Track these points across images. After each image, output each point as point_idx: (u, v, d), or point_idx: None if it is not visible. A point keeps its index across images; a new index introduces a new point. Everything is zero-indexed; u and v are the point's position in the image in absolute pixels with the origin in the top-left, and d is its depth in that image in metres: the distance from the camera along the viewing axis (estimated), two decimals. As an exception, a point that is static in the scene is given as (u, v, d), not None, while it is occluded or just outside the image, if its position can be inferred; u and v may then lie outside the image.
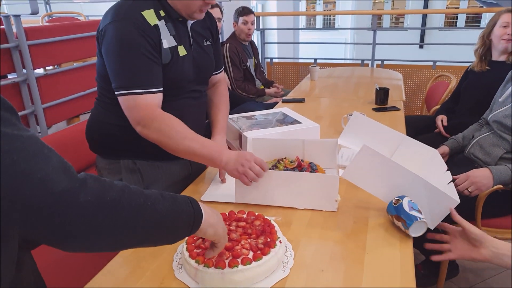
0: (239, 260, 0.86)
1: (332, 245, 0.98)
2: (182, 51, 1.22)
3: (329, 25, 14.06)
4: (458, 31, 11.25)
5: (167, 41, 1.16)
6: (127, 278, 0.89)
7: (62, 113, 2.12)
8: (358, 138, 1.46)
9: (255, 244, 0.90)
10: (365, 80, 2.91)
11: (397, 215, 1.00)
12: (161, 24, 1.15)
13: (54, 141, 1.73)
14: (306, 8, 15.49)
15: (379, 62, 3.82)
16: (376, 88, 2.21)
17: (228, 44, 2.98)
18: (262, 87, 3.27)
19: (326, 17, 14.24)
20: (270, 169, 1.30)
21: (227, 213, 1.04)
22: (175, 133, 1.11)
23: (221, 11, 2.77)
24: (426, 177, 1.05)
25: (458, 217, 0.99)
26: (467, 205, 1.52)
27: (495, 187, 1.43)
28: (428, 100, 2.90)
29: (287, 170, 1.26)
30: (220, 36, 1.66)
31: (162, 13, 1.16)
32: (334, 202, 1.13)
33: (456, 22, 11.52)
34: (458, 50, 3.55)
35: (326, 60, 4.15)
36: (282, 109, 1.82)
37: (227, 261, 0.85)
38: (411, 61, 3.84)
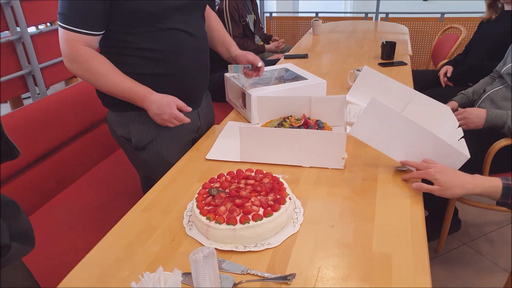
0: (250, 216, 0.86)
1: (341, 201, 0.99)
2: None
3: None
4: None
5: None
6: (139, 236, 0.90)
7: (59, 74, 2.05)
8: (367, 94, 1.43)
9: (265, 201, 0.90)
10: (369, 35, 2.82)
11: None
12: None
13: (56, 102, 1.70)
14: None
15: (384, 16, 3.68)
16: (382, 42, 2.15)
17: None
18: (262, 43, 3.18)
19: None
20: (275, 127, 1.29)
21: (235, 171, 1.03)
22: (97, 76, 1.13)
23: None
24: (437, 133, 1.03)
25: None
26: (475, 160, 1.52)
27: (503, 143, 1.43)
28: (435, 54, 2.83)
29: (293, 128, 1.24)
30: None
31: None
32: (341, 159, 1.12)
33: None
34: (467, 1, 3.41)
35: (328, 14, 4.00)
36: (285, 65, 1.77)
37: (238, 218, 0.86)
38: (417, 13, 3.70)
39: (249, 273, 0.78)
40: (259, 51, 3.06)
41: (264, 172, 1.02)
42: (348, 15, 5.01)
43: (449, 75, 2.12)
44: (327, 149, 1.11)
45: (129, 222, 0.96)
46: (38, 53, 1.84)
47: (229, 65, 1.46)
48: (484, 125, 1.48)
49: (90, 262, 0.84)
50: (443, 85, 2.16)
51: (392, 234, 0.86)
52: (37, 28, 2.18)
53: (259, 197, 0.91)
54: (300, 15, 4.51)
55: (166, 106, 1.16)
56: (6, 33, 1.80)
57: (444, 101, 1.72)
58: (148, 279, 0.65)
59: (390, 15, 3.68)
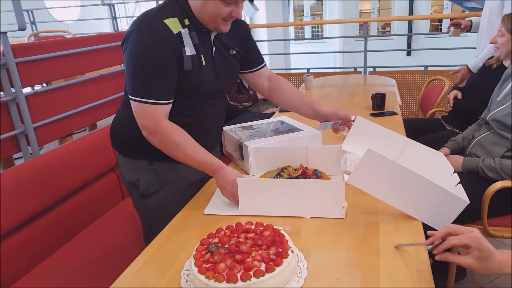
0: (251, 272, 0.82)
1: (345, 252, 0.95)
2: (203, 61, 1.23)
3: (317, 36, 14.22)
4: (443, 37, 11.45)
5: (189, 49, 1.18)
6: (134, 299, 0.85)
7: (54, 132, 2.06)
8: (361, 143, 1.44)
9: (267, 255, 0.87)
10: (359, 88, 2.91)
11: None
12: (184, 32, 1.17)
13: (49, 161, 1.68)
14: (294, 21, 15.69)
15: (371, 69, 3.84)
16: (372, 94, 2.21)
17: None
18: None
19: (314, 29, 14.40)
20: (274, 177, 1.27)
21: (234, 225, 1.00)
22: (176, 148, 1.19)
23: None
24: (434, 180, 1.03)
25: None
26: (472, 205, 1.51)
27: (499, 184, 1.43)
28: (423, 104, 2.91)
29: (291, 178, 1.23)
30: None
31: (186, 22, 1.19)
32: (342, 208, 1.10)
33: (441, 27, 11.74)
34: (446, 54, 3.59)
35: (318, 70, 4.16)
36: (281, 117, 1.80)
37: (238, 275, 0.82)
38: (402, 67, 3.87)
39: (253, 335, 0.72)
40: (252, 100, 3.13)
41: (265, 224, 0.99)
42: (337, 70, 5.22)
43: (460, 97, 2.18)
44: (327, 198, 1.10)
45: (123, 283, 0.91)
46: (32, 113, 1.86)
47: (319, 124, 1.46)
48: (462, 170, 1.60)
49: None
50: (451, 105, 2.22)
51: (399, 283, 0.82)
52: (33, 88, 2.23)
53: (260, 252, 0.88)
54: (292, 71, 4.69)
55: (230, 184, 1.19)
56: (1, 93, 1.83)
57: (436, 147, 1.74)
58: None
59: (377, 69, 3.84)
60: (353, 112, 2.18)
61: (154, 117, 1.16)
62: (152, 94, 1.14)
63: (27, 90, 1.91)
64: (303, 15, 16.45)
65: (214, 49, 1.27)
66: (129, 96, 1.18)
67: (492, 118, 1.60)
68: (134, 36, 1.13)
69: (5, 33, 1.68)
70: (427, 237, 0.95)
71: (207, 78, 1.26)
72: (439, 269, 1.73)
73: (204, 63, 1.23)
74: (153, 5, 0.98)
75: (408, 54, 10.94)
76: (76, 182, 1.79)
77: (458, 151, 1.75)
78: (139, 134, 1.22)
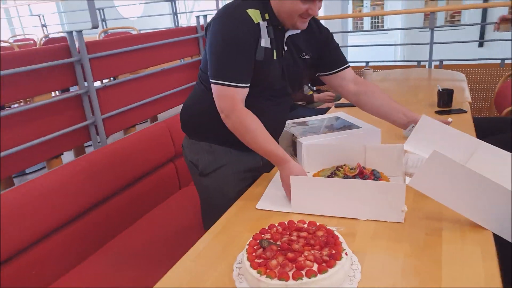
0: (303, 272, 0.81)
1: (402, 258, 0.91)
2: (274, 55, 1.27)
3: (377, 27, 13.59)
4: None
5: (265, 41, 1.23)
6: (188, 288, 0.88)
7: (119, 123, 2.21)
8: (426, 143, 1.35)
9: (320, 256, 0.85)
10: (424, 82, 2.75)
11: None
12: (263, 24, 1.22)
13: (114, 150, 1.79)
14: (353, 11, 15.14)
15: (437, 63, 3.60)
16: (439, 90, 2.07)
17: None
18: (311, 92, 3.20)
19: (374, 20, 13.75)
20: (328, 176, 1.25)
21: (286, 223, 1.00)
22: (247, 132, 1.22)
23: None
24: (507, 187, 0.94)
25: None
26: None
27: None
28: (498, 101, 2.68)
29: (347, 177, 1.19)
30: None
31: (266, 16, 1.23)
32: (401, 212, 1.04)
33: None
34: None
35: (378, 63, 3.99)
36: (337, 113, 1.75)
37: (290, 273, 0.81)
38: (474, 60, 3.58)
39: (302, 336, 0.72)
40: (307, 100, 3.09)
41: (318, 224, 0.97)
42: (398, 63, 4.96)
43: None
44: (385, 201, 1.05)
45: (178, 273, 0.94)
46: (101, 105, 2.00)
47: (411, 125, 1.39)
48: None
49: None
50: None
51: (465, 299, 0.77)
52: (102, 82, 2.39)
53: (313, 252, 0.86)
54: (351, 64, 4.56)
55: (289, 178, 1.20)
56: (75, 87, 1.98)
57: (510, 150, 1.59)
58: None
59: (444, 63, 3.59)
60: (416, 110, 2.07)
61: (232, 100, 1.21)
62: (232, 77, 1.19)
63: (97, 84, 2.06)
64: (363, 5, 15.86)
65: (285, 48, 1.30)
66: (210, 80, 1.23)
67: None
68: (219, 22, 1.19)
69: (81, 31, 1.82)
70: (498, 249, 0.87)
71: (274, 73, 1.29)
72: (506, 271, 1.60)
73: (275, 57, 1.27)
74: (211, 1, 1.03)
75: (481, 45, 10.09)
76: (137, 171, 1.89)
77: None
78: (204, 118, 1.32)
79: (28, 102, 2.28)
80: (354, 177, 1.19)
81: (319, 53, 1.40)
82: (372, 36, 12.88)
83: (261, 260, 0.86)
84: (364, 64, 4.03)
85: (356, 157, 1.30)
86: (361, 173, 1.20)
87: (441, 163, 0.97)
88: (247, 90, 1.24)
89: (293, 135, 1.50)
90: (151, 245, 1.66)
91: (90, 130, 1.98)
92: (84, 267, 1.54)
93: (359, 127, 1.51)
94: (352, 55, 7.38)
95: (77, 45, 1.86)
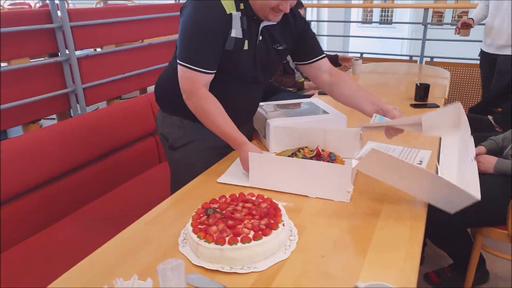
0: (238, 238, 0.87)
1: (338, 233, 0.97)
2: (245, 45, 1.30)
3: (386, 20, 13.45)
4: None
5: (236, 31, 1.26)
6: (133, 247, 0.94)
7: (102, 94, 2.25)
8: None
9: (257, 224, 0.91)
10: (410, 77, 2.78)
11: None
12: (236, 14, 1.25)
13: (93, 118, 1.84)
14: (364, 1, 14.97)
15: (429, 59, 3.62)
16: (416, 84, 2.12)
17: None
18: (302, 79, 3.23)
19: (383, 13, 13.57)
20: (288, 156, 1.30)
21: (237, 194, 1.05)
22: (206, 115, 1.28)
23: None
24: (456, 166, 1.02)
25: None
26: (500, 208, 1.44)
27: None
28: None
29: (305, 158, 1.25)
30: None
31: (241, 6, 1.26)
32: (346, 193, 1.10)
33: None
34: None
35: (373, 55, 4.01)
36: (313, 99, 1.80)
37: (227, 238, 0.87)
38: (466, 59, 3.59)
39: (227, 293, 0.78)
40: (298, 87, 3.12)
41: (265, 197, 1.03)
42: (399, 57, 4.91)
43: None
44: (333, 181, 1.11)
45: (129, 233, 1.01)
46: (82, 74, 2.03)
47: (374, 115, 1.39)
48: (494, 172, 1.52)
49: (82, 267, 0.88)
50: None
51: (382, 268, 0.83)
52: (95, 50, 2.40)
53: (252, 221, 0.92)
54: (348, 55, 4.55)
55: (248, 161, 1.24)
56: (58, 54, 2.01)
57: (476, 145, 1.65)
58: (121, 284, 0.67)
59: (435, 59, 3.62)
60: (393, 101, 2.13)
61: (194, 83, 1.25)
62: (197, 62, 1.24)
63: (78, 52, 2.09)
64: (375, -4, 15.68)
65: (260, 38, 1.32)
66: (177, 60, 1.27)
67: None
68: (192, 6, 1.23)
69: None
70: (426, 234, 0.94)
71: (245, 62, 1.33)
72: (459, 270, 1.68)
73: (246, 47, 1.29)
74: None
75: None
76: (116, 141, 1.94)
77: (496, 151, 1.64)
78: (176, 93, 1.32)
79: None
80: (311, 158, 1.25)
81: (294, 44, 1.43)
82: (380, 29, 12.78)
83: (203, 226, 0.92)
84: (359, 55, 4.04)
85: (318, 140, 1.36)
86: (318, 155, 1.25)
87: (378, 158, 1.02)
88: (211, 76, 1.27)
89: (266, 116, 1.54)
90: (122, 213, 1.72)
91: (70, 98, 2.02)
92: (54, 230, 1.61)
93: (327, 113, 1.55)
94: (357, 47, 7.35)
95: (58, 13, 1.88)
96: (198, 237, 0.89)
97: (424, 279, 1.83)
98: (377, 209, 1.06)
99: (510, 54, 2.64)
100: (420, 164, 1.33)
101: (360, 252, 0.89)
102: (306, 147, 1.36)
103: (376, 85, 2.56)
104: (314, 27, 6.56)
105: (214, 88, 1.30)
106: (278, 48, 1.40)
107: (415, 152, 1.42)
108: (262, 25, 1.31)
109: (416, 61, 3.71)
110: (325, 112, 1.58)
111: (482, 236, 1.56)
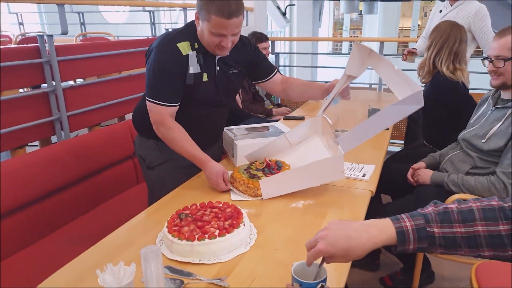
0: (206, 235, 1.05)
1: (290, 231, 1.17)
2: (205, 77, 1.53)
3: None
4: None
5: (193, 68, 1.49)
6: (117, 248, 1.11)
7: (84, 121, 2.42)
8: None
9: (222, 225, 1.10)
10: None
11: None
12: (192, 54, 1.47)
13: (76, 143, 2.00)
14: (333, 34, 15.86)
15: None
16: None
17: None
18: (271, 106, 3.49)
19: (351, 43, 14.43)
20: (244, 170, 1.49)
21: (206, 203, 1.24)
22: (173, 141, 1.50)
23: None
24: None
25: None
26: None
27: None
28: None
29: (258, 170, 1.46)
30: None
31: (196, 45, 1.48)
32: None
33: None
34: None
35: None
36: (277, 124, 2.03)
37: (196, 236, 1.05)
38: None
39: (196, 278, 0.96)
40: (267, 113, 3.37)
41: (230, 204, 1.23)
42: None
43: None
44: (327, 170, 1.37)
45: (112, 238, 1.17)
46: (67, 103, 2.22)
47: (326, 97, 1.69)
48: (431, 183, 1.74)
49: (72, 266, 1.04)
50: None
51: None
52: (75, 82, 2.57)
53: (218, 222, 1.11)
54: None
55: (214, 175, 1.44)
56: (44, 85, 2.20)
57: (415, 161, 1.91)
58: (110, 269, 0.85)
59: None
60: (348, 124, 2.38)
61: (161, 115, 1.48)
62: (161, 98, 1.46)
63: (66, 83, 2.28)
64: (343, 28, 16.59)
65: (217, 68, 1.56)
66: (146, 97, 1.50)
67: (462, 138, 1.75)
68: (154, 52, 1.46)
69: (51, 35, 2.05)
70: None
71: (207, 92, 1.55)
72: (408, 272, 1.89)
73: (206, 79, 1.52)
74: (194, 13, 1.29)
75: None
76: (97, 164, 2.10)
77: (434, 166, 1.89)
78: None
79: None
80: (263, 169, 1.46)
81: (249, 66, 1.67)
82: (347, 58, 13.50)
83: (176, 228, 1.10)
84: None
85: (283, 148, 1.63)
86: (268, 165, 1.47)
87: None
88: (174, 108, 1.49)
89: (234, 138, 1.75)
90: (103, 230, 1.85)
91: (55, 125, 2.19)
92: (38, 247, 1.72)
93: (283, 132, 1.79)
94: (327, 76, 7.80)
95: (47, 48, 2.08)
96: (173, 236, 1.07)
97: (380, 283, 2.03)
98: (324, 212, 1.28)
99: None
100: (364, 176, 1.56)
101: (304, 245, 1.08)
102: (256, 161, 1.56)
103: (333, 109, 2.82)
104: (286, 58, 6.93)
105: (183, 113, 1.52)
106: (234, 71, 1.63)
107: (361, 167, 1.65)
108: (217, 58, 1.54)
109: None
110: (282, 132, 1.80)
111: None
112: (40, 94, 2.15)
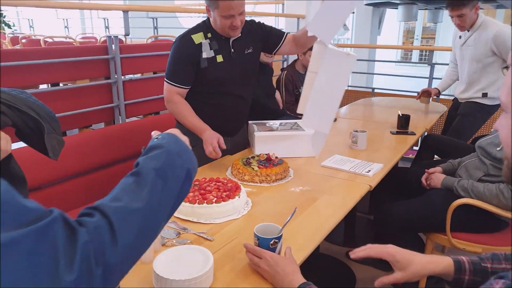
0: (205, 201, 1.27)
1: (279, 208, 1.35)
2: (219, 59, 1.79)
3: (425, 60, 13.75)
4: None
5: (206, 53, 1.77)
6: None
7: (139, 110, 2.82)
8: None
9: (220, 194, 1.31)
10: (406, 110, 3.09)
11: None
12: (205, 42, 1.77)
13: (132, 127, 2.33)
14: (403, 42, 15.39)
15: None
16: (398, 115, 2.45)
17: (286, 71, 3.41)
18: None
19: (422, 52, 13.99)
20: (243, 162, 1.67)
21: (214, 177, 1.46)
22: (179, 114, 1.80)
23: None
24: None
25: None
26: (441, 216, 1.71)
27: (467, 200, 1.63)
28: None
29: (260, 162, 1.64)
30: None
31: (209, 35, 1.77)
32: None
33: None
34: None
35: (386, 91, 4.35)
36: (298, 121, 2.18)
37: (197, 200, 1.28)
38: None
39: (187, 232, 1.18)
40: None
41: (233, 180, 1.43)
42: (402, 92, 5.07)
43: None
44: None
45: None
46: (126, 93, 2.64)
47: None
48: (441, 186, 1.80)
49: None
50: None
51: (299, 229, 1.19)
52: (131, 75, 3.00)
53: (218, 193, 1.33)
54: (361, 89, 4.89)
55: (210, 138, 1.68)
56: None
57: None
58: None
59: (441, 96, 3.90)
60: (375, 128, 2.46)
61: (171, 93, 1.78)
62: (174, 79, 1.77)
63: (127, 77, 2.74)
64: (414, 37, 15.97)
65: (232, 50, 1.81)
66: (164, 79, 1.80)
67: (478, 145, 1.77)
68: (174, 44, 1.78)
69: (116, 36, 2.51)
70: (384, 241, 1.29)
71: (221, 71, 1.78)
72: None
73: (220, 60, 1.77)
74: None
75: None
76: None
77: (451, 172, 1.92)
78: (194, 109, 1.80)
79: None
80: (263, 161, 1.63)
81: (262, 40, 1.89)
82: (419, 68, 13.03)
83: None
84: (370, 90, 4.41)
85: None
86: (269, 159, 1.65)
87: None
88: (184, 89, 1.77)
89: (255, 130, 1.96)
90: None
91: (114, 111, 2.61)
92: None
93: (304, 131, 1.94)
94: (382, 82, 7.66)
95: (113, 46, 2.51)
96: (179, 199, 1.30)
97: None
98: (316, 197, 1.43)
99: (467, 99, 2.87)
100: (368, 172, 1.67)
101: (293, 217, 1.25)
102: (258, 155, 1.73)
103: (370, 115, 2.90)
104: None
105: (208, 103, 1.81)
106: (249, 51, 1.86)
107: (368, 164, 1.76)
108: (231, 40, 1.79)
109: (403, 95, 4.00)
110: (303, 130, 1.96)
111: (432, 242, 1.83)
112: (105, 84, 2.58)
